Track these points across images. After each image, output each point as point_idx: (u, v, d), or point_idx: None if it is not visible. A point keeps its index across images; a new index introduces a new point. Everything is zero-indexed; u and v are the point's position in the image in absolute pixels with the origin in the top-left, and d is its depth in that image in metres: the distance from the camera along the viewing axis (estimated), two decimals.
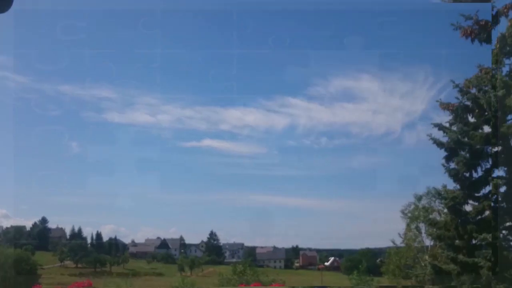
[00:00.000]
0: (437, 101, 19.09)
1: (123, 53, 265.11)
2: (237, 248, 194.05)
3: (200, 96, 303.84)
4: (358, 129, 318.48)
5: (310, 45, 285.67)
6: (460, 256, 17.51)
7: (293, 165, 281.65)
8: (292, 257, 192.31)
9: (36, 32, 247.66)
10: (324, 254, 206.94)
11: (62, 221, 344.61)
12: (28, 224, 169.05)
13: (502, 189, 17.82)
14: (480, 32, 14.91)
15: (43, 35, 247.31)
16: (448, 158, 18.80)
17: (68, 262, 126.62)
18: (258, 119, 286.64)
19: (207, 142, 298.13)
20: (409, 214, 41.75)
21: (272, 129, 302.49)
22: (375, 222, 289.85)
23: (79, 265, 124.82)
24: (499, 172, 18.07)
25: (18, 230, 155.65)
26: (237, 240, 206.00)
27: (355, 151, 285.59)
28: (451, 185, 18.92)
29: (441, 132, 18.96)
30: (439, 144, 18.87)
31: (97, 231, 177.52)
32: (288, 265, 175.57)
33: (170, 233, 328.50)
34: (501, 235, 17.55)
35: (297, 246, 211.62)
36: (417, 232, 41.02)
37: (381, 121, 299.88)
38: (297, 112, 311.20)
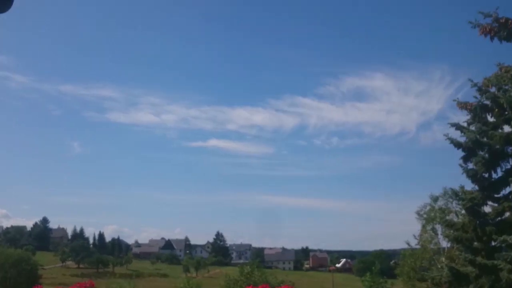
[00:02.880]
0: (454, 100, 19.22)
1: (126, 52, 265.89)
2: (244, 249, 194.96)
3: (206, 95, 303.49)
4: (371, 129, 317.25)
5: (321, 44, 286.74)
6: (479, 258, 17.68)
7: (303, 165, 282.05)
8: (301, 258, 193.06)
9: (37, 32, 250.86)
10: (335, 255, 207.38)
11: (63, 221, 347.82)
12: (29, 224, 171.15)
13: None
14: (500, 29, 15.11)
15: (43, 35, 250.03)
16: (466, 159, 18.98)
17: (69, 263, 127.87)
18: (266, 119, 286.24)
19: (213, 142, 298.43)
20: (425, 215, 42.03)
21: (281, 129, 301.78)
22: (389, 223, 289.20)
23: (81, 266, 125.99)
24: None
25: (19, 230, 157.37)
26: (245, 241, 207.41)
27: (368, 151, 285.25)
28: (469, 185, 19.09)
29: (458, 132, 19.12)
30: (457, 144, 19.04)
31: (100, 231, 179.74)
32: (298, 266, 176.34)
33: (175, 233, 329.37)
34: None
35: (307, 247, 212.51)
36: (433, 234, 41.33)
37: (395, 121, 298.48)
38: (307, 111, 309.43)
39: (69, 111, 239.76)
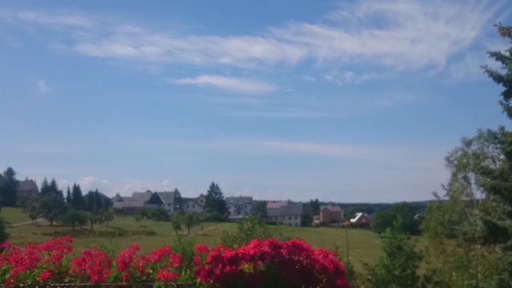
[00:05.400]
0: (495, 25, 18.80)
1: None
2: (244, 203, 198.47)
3: (195, 23, 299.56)
4: (392, 62, 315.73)
5: None
6: None
7: (311, 106, 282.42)
8: (310, 213, 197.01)
9: None
10: (350, 209, 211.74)
11: (32, 172, 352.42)
12: None
13: None
14: None
15: None
16: (507, 94, 18.81)
17: (41, 220, 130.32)
18: (267, 51, 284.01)
19: (204, 79, 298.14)
20: (456, 162, 42.23)
21: (285, 62, 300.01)
22: (413, 172, 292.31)
23: (54, 223, 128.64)
24: None
25: None
26: (244, 193, 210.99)
27: (389, 87, 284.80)
28: (510, 126, 19.04)
29: (499, 63, 18.84)
30: (497, 77, 18.80)
31: (75, 184, 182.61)
32: (306, 222, 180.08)
33: (163, 185, 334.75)
34: None
35: (316, 200, 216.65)
36: (465, 183, 41.66)
37: (421, 52, 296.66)
38: (316, 41, 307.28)
39: (31, 43, 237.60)
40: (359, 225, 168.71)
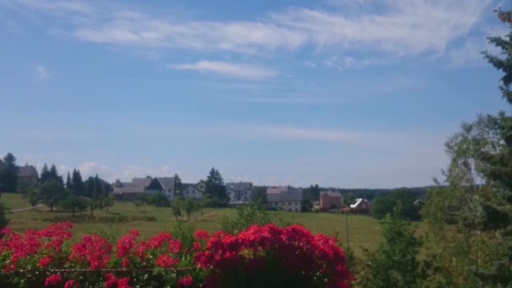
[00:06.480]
0: (495, 10, 18.71)
1: None
2: (244, 189, 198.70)
3: (195, 8, 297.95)
4: (392, 47, 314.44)
5: None
6: None
7: (311, 91, 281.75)
8: (310, 198, 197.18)
9: None
10: (350, 194, 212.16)
11: (32, 158, 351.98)
12: None
13: None
14: None
15: None
16: (507, 80, 18.77)
17: (41, 206, 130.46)
18: (267, 36, 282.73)
19: (204, 65, 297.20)
20: (456, 147, 42.19)
21: (285, 48, 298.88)
22: (413, 157, 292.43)
23: (54, 209, 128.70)
24: None
25: None
26: (244, 179, 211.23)
27: (389, 73, 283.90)
28: (510, 111, 19.02)
29: (499, 49, 18.81)
30: (497, 62, 18.76)
31: (75, 170, 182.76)
32: (306, 207, 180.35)
33: (163, 171, 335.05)
34: None
35: (316, 186, 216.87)
36: (465, 169, 41.65)
37: (421, 37, 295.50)
38: (316, 27, 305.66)
39: (31, 29, 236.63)
40: (359, 210, 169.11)
